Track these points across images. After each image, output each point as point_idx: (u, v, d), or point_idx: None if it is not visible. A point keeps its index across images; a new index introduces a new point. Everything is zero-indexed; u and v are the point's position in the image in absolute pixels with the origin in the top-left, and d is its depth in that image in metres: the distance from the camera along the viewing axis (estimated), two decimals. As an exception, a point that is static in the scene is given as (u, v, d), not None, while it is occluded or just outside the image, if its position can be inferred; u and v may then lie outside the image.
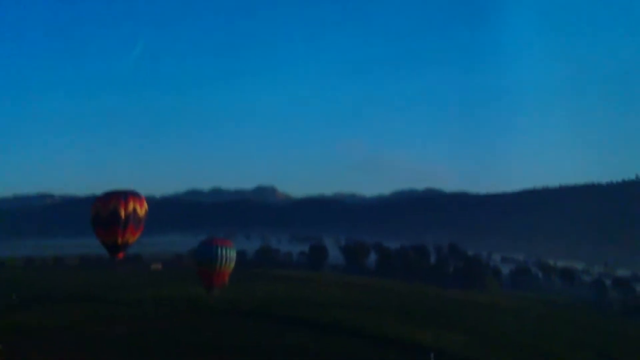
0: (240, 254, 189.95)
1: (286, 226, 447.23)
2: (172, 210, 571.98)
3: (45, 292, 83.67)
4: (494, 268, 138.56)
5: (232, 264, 75.92)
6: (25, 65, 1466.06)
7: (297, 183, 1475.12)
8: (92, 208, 61.86)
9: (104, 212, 60.46)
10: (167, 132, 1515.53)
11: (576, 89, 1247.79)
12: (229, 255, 76.06)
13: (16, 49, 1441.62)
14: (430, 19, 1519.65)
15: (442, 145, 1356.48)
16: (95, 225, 60.76)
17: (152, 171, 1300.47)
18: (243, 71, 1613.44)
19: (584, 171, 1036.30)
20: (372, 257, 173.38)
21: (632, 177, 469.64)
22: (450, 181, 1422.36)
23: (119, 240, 60.53)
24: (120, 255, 62.52)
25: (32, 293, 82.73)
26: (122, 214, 60.78)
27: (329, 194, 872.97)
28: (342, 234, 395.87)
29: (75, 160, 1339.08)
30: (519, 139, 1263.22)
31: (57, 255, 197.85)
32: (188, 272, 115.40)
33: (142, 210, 63.35)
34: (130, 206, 62.03)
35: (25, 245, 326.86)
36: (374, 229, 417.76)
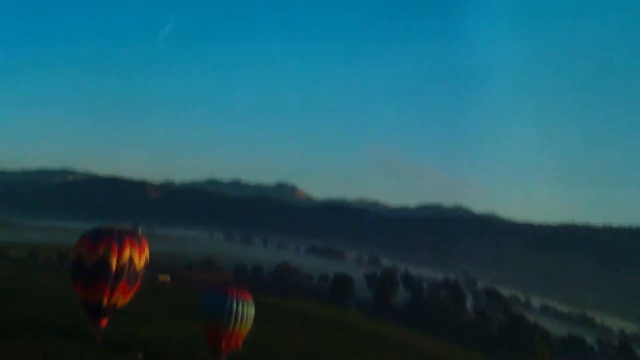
0: (257, 269, 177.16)
1: (306, 233, 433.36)
2: (191, 201, 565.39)
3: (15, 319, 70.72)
4: (542, 328, 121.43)
5: (249, 324, 61.75)
6: (53, 43, 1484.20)
7: (319, 183, 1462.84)
8: (73, 251, 46.40)
9: (89, 259, 44.67)
10: (192, 118, 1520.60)
11: None
12: (247, 313, 61.64)
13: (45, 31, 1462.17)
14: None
15: (477, 162, 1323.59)
16: (75, 276, 45.26)
17: (174, 156, 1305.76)
18: (275, 65, 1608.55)
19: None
20: (401, 291, 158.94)
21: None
22: (480, 200, 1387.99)
23: (105, 301, 44.94)
24: (104, 322, 46.89)
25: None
26: (114, 264, 45.44)
27: (352, 198, 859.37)
28: (365, 249, 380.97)
29: (99, 139, 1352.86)
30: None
31: (64, 247, 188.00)
32: (196, 294, 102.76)
33: (141, 260, 47.28)
34: (126, 254, 45.74)
35: (37, 227, 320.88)
36: (398, 245, 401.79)
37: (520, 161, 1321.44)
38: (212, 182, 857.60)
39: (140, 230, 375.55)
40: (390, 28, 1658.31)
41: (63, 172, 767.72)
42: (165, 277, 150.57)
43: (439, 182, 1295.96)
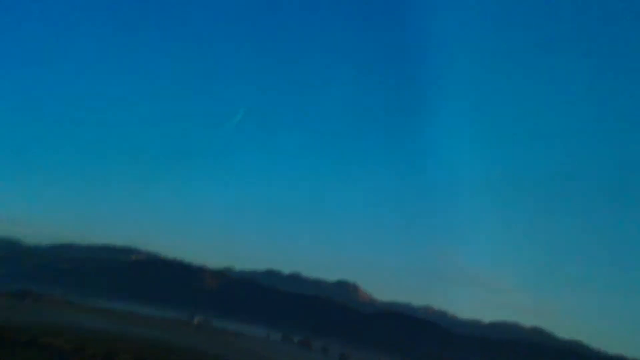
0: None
1: (369, 343, 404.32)
2: (249, 292, 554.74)
3: None
4: None
5: None
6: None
7: (382, 284, 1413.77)
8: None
9: None
10: (256, 205, 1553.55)
11: None
12: None
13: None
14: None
15: (560, 281, 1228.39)
16: None
17: (236, 242, 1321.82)
18: (347, 160, 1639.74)
19: None
20: None
21: None
22: (564, 324, 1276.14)
23: None
24: None
25: None
26: None
27: (417, 304, 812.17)
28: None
29: (165, 220, 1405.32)
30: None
31: (114, 341, 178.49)
32: None
33: None
34: None
35: (94, 309, 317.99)
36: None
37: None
38: (271, 274, 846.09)
39: (196, 321, 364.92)
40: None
41: (128, 251, 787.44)
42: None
43: (516, 299, 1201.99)
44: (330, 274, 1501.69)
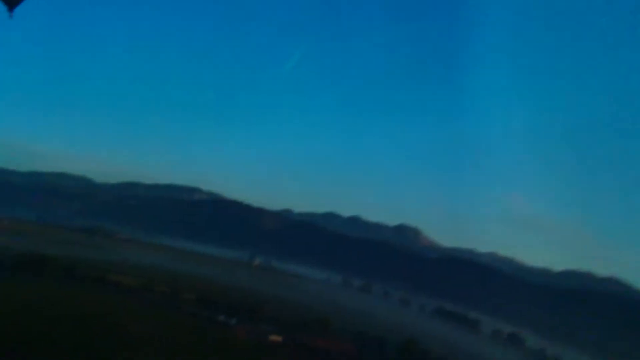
0: (381, 342, 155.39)
1: (430, 289, 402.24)
2: (308, 234, 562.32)
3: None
4: None
5: None
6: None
7: (445, 229, 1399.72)
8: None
9: None
10: (319, 148, 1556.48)
11: None
12: None
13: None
14: None
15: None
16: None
17: (295, 184, 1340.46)
18: (410, 105, 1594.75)
19: None
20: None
21: None
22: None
23: None
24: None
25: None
26: None
27: (482, 251, 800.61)
28: (499, 317, 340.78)
29: (229, 161, 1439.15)
30: None
31: (179, 278, 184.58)
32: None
33: None
34: None
35: (160, 247, 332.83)
36: (541, 319, 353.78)
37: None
38: (330, 216, 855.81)
39: (256, 262, 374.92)
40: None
41: (191, 190, 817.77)
42: (276, 338, 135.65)
43: (590, 248, 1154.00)
44: (390, 218, 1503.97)
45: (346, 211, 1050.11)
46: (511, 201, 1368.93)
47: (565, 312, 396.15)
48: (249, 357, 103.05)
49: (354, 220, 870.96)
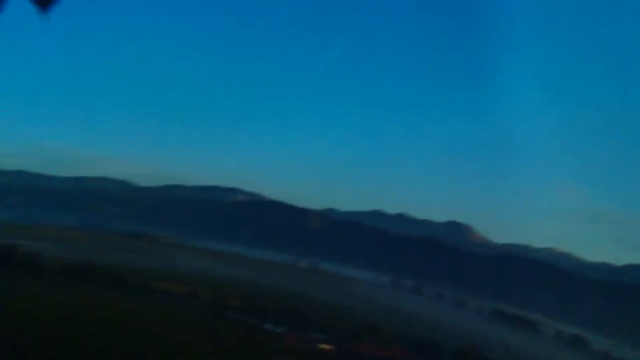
0: (438, 348, 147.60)
1: (486, 289, 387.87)
2: (354, 234, 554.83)
3: None
4: None
5: None
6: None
7: (497, 225, 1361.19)
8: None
9: None
10: (363, 144, 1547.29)
11: None
12: None
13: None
14: None
15: None
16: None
17: (340, 185, 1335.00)
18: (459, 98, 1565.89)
19: None
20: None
21: None
22: None
23: None
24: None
25: None
26: None
27: (539, 246, 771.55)
28: (559, 318, 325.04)
29: (269, 161, 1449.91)
30: None
31: (222, 285, 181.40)
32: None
33: None
34: None
35: (204, 251, 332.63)
36: (606, 320, 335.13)
37: None
38: (375, 214, 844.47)
39: (302, 264, 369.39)
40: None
41: (231, 191, 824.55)
42: (327, 346, 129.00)
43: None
44: (438, 214, 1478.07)
45: (392, 209, 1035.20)
46: (566, 194, 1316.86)
47: (630, 309, 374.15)
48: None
49: (401, 218, 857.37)
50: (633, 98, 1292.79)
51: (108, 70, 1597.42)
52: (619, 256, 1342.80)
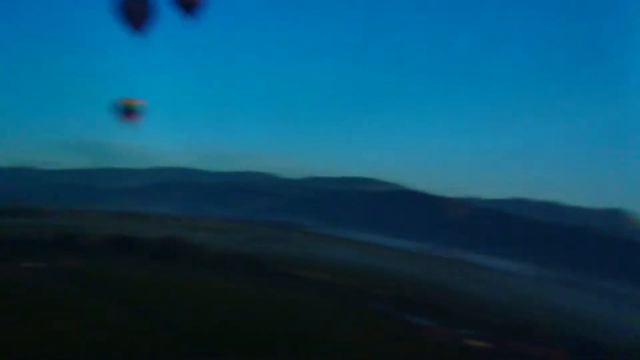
0: (600, 349, 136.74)
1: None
2: (498, 223, 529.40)
3: None
4: None
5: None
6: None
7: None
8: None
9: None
10: (503, 130, 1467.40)
11: None
12: None
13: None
14: None
15: None
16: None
17: (480, 173, 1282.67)
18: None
19: None
20: None
21: None
22: None
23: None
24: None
25: None
26: None
27: None
28: None
29: (401, 150, 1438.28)
30: None
31: (367, 277, 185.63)
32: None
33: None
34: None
35: (344, 240, 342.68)
36: None
37: None
38: (519, 202, 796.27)
39: (445, 254, 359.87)
40: None
41: (366, 181, 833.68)
42: (479, 343, 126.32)
43: None
44: (592, 201, 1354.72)
45: (537, 195, 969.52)
46: None
47: None
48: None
49: (549, 205, 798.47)
50: None
51: (256, 74, 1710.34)
52: None
